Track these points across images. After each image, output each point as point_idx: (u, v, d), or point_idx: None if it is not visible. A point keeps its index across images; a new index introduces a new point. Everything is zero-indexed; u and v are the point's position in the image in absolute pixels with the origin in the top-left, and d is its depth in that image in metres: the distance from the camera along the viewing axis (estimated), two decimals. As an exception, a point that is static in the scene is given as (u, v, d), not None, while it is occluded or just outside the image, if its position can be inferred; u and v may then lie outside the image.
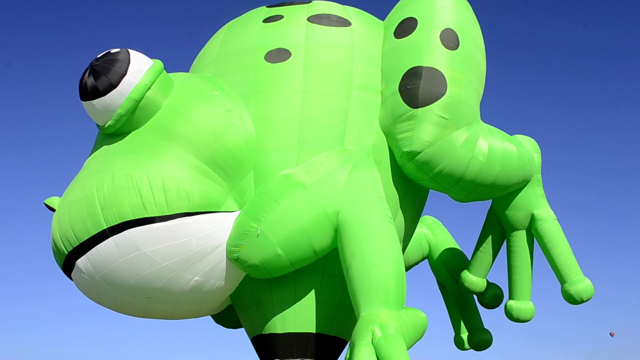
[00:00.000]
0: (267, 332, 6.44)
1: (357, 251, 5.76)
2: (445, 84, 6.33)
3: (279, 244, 5.86)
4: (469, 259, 8.08)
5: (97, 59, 5.91)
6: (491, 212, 7.69)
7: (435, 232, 9.10)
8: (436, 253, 8.87)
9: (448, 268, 8.64)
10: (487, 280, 7.89)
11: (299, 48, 6.67)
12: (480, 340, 8.51)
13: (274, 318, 6.36)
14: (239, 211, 6.10)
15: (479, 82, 6.92)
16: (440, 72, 6.39)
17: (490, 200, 7.54)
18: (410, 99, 6.34)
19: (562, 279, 7.21)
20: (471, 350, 8.77)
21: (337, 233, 5.92)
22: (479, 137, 6.46)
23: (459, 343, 9.03)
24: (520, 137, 7.47)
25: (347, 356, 5.53)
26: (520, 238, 7.51)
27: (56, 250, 6.03)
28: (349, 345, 5.59)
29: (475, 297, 8.36)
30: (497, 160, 6.57)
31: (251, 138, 6.24)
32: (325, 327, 6.42)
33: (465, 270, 7.84)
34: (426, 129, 6.26)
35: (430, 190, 7.30)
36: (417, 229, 8.85)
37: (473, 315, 8.63)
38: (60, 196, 6.20)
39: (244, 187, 6.20)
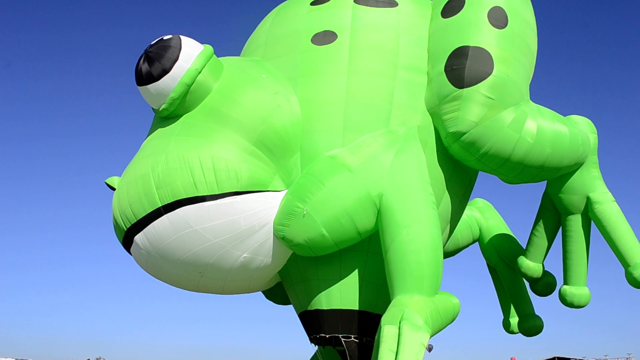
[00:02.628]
0: (313, 308, 6.63)
1: (396, 235, 5.84)
2: (492, 64, 6.23)
3: (323, 224, 6.00)
4: (521, 243, 7.97)
5: (151, 46, 6.18)
6: (546, 196, 7.53)
7: (486, 216, 9.01)
8: (487, 237, 8.80)
9: (499, 252, 8.56)
10: (543, 266, 7.77)
11: (345, 30, 6.73)
12: (531, 326, 8.42)
13: (319, 294, 6.54)
14: (286, 191, 6.27)
15: (529, 61, 6.75)
16: (487, 52, 6.28)
17: (545, 184, 7.39)
18: (456, 79, 6.29)
19: (625, 263, 7.00)
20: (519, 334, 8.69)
21: (379, 216, 6.01)
22: (527, 118, 6.33)
23: (507, 326, 8.96)
24: (576, 118, 7.25)
25: (377, 333, 5.69)
26: (575, 222, 7.34)
27: (116, 227, 6.42)
28: (380, 324, 5.71)
29: (526, 283, 8.27)
30: (547, 141, 6.42)
31: (297, 120, 6.38)
32: (370, 305, 6.54)
33: (522, 256, 7.75)
34: (472, 109, 6.20)
35: (481, 172, 7.24)
36: (468, 212, 8.81)
37: (524, 301, 8.53)
38: (120, 176, 6.59)
39: (291, 168, 6.36)
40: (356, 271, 6.51)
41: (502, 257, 8.48)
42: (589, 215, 7.24)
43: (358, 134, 6.34)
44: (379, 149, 6.18)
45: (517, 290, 8.53)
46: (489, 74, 6.19)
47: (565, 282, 7.56)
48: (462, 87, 6.24)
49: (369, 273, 6.52)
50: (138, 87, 6.30)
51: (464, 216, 8.62)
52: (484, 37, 6.38)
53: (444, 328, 5.96)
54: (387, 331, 5.43)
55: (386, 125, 6.42)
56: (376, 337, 5.74)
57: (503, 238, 8.60)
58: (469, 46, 6.35)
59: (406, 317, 5.42)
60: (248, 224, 6.04)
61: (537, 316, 8.48)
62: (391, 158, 6.12)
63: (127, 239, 6.34)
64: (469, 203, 9.12)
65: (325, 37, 6.72)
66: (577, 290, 7.45)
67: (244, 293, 7.30)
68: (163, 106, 6.24)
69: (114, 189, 6.61)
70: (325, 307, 6.54)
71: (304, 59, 6.70)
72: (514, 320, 8.72)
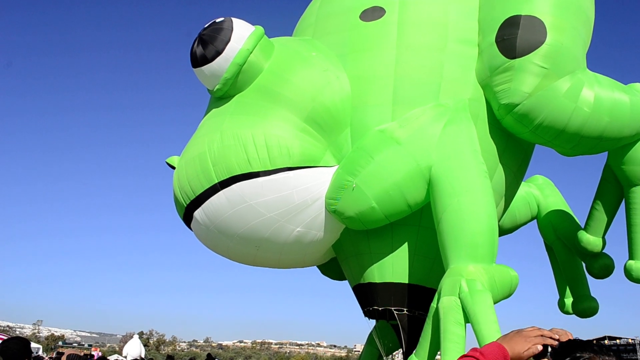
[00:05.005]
0: (366, 281, 6.75)
1: (448, 205, 5.80)
2: (545, 32, 6.05)
3: (373, 197, 6.09)
4: (581, 223, 7.73)
5: (205, 29, 6.43)
6: (607, 168, 7.27)
7: (545, 193, 8.78)
8: (545, 214, 8.58)
9: (556, 231, 8.33)
10: (604, 241, 7.52)
11: (394, 5, 6.72)
12: (586, 307, 8.17)
13: (371, 267, 6.65)
14: (337, 166, 6.40)
15: (585, 28, 6.50)
16: (540, 20, 6.11)
17: (606, 156, 7.14)
18: (507, 49, 6.16)
19: None
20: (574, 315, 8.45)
21: (429, 187, 6.02)
22: (583, 86, 6.12)
23: (562, 306, 8.74)
24: (638, 86, 6.94)
25: (433, 305, 5.65)
26: (639, 194, 7.05)
27: (177, 203, 6.76)
28: (436, 295, 5.69)
29: (583, 265, 8.04)
30: (605, 110, 6.19)
31: (347, 96, 6.46)
32: (422, 279, 6.59)
33: (582, 230, 7.54)
34: (524, 80, 6.07)
35: (540, 147, 7.08)
36: (527, 189, 8.63)
37: (580, 282, 8.28)
38: (179, 155, 6.92)
39: (342, 143, 6.47)
40: (408, 245, 6.56)
41: (559, 235, 8.26)
42: None
43: (408, 108, 6.36)
44: (428, 121, 6.17)
45: (573, 270, 8.28)
46: (542, 43, 6.02)
47: (631, 257, 7.28)
48: (514, 58, 6.11)
49: (421, 247, 6.56)
50: (193, 69, 6.57)
51: (522, 192, 8.46)
52: (537, 5, 6.20)
53: (500, 300, 5.78)
54: (447, 302, 5.37)
55: (436, 98, 6.40)
56: (431, 309, 5.72)
57: (561, 216, 8.35)
58: (520, 15, 6.19)
59: (464, 285, 5.35)
60: (300, 198, 6.21)
61: (593, 298, 8.22)
62: (440, 129, 6.10)
63: (187, 215, 6.67)
64: (528, 179, 8.96)
65: (373, 13, 6.75)
66: None
67: (299, 267, 7.51)
68: (217, 86, 6.47)
69: (174, 168, 6.94)
70: (377, 281, 6.65)
71: (353, 36, 6.76)
72: (569, 300, 8.49)
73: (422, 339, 5.74)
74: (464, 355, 1.84)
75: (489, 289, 5.46)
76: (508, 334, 1.95)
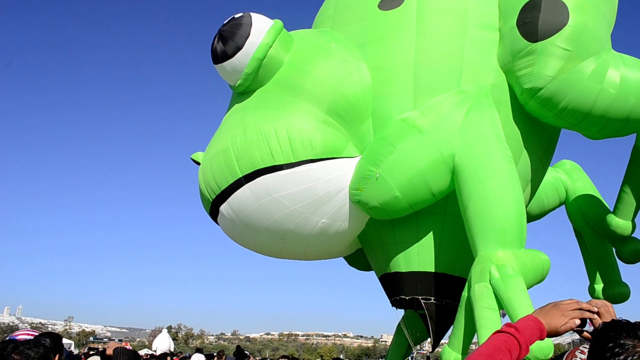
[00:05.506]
0: (392, 271, 6.77)
1: (474, 191, 5.75)
2: (567, 13, 5.94)
3: (397, 186, 6.08)
4: (610, 207, 7.60)
5: (224, 25, 6.48)
6: (635, 150, 7.11)
7: (573, 178, 8.63)
8: (573, 199, 8.45)
9: (585, 216, 8.19)
10: (634, 225, 7.39)
11: None
12: (617, 293, 8.02)
13: (397, 257, 6.66)
14: (360, 156, 6.41)
15: (609, 8, 6.35)
16: (562, 2, 5.98)
17: (634, 138, 6.99)
18: (528, 32, 6.06)
19: None
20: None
21: (454, 175, 5.99)
22: (608, 67, 5.99)
23: (592, 292, 8.60)
24: None
25: (465, 294, 5.61)
26: None
27: (203, 198, 6.86)
28: (467, 284, 5.65)
29: (613, 250, 7.90)
30: (632, 91, 6.04)
31: (367, 86, 6.46)
32: (448, 267, 6.57)
33: (611, 214, 7.41)
34: (547, 63, 5.97)
35: (566, 130, 6.97)
36: (554, 174, 8.51)
37: (610, 267, 8.12)
38: (204, 151, 7.01)
39: (364, 133, 6.47)
40: (434, 233, 6.54)
41: (588, 220, 8.12)
42: None
43: (429, 96, 6.32)
44: (450, 109, 6.13)
45: (603, 256, 8.13)
46: (564, 25, 5.91)
47: None
48: (536, 41, 6.01)
49: (446, 235, 6.53)
50: (214, 65, 6.64)
51: (549, 178, 8.35)
52: None
53: (533, 285, 5.68)
54: (479, 290, 5.30)
55: (457, 85, 6.35)
56: (462, 298, 5.68)
57: (590, 201, 8.21)
58: None
59: (494, 271, 5.27)
60: (324, 190, 6.25)
61: (624, 283, 8.07)
62: (462, 116, 6.05)
63: (213, 209, 6.76)
64: (555, 164, 8.83)
65: (392, 2, 6.71)
66: None
67: (325, 258, 7.56)
68: (238, 82, 6.53)
69: (199, 164, 7.04)
70: (403, 270, 6.65)
71: (372, 26, 6.74)
72: (599, 286, 8.34)
73: (455, 329, 5.71)
74: (498, 331, 1.76)
75: (522, 274, 5.36)
76: (545, 307, 1.87)
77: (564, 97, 6.03)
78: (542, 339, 1.80)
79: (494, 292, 5.24)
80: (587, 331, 1.87)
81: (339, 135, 6.34)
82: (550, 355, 4.77)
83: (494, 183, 5.73)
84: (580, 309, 1.84)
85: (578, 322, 1.83)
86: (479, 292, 5.30)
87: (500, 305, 5.23)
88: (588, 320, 1.86)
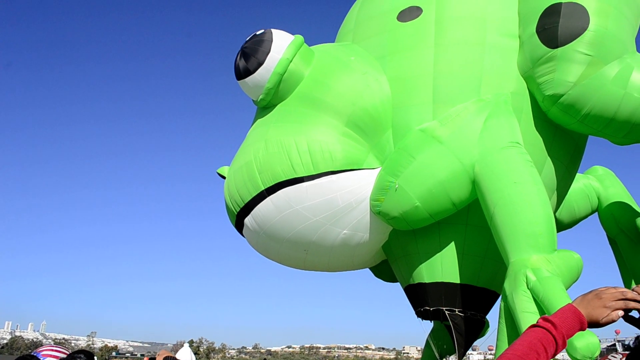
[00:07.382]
0: (416, 282, 6.73)
1: (499, 199, 5.63)
2: (587, 18, 5.85)
3: (417, 196, 6.07)
4: None
5: (246, 42, 6.66)
6: None
7: (605, 184, 8.40)
8: (606, 206, 8.21)
9: (618, 223, 7.95)
10: None
11: (431, 3, 6.71)
12: None
13: (420, 267, 6.62)
14: (380, 167, 6.44)
15: (632, 11, 6.21)
16: (582, 6, 5.91)
17: None
18: (549, 39, 6.00)
19: None
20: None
21: (475, 184, 5.94)
22: (632, 71, 5.84)
23: None
24: None
25: (502, 305, 5.44)
26: None
27: (229, 211, 7.01)
28: (502, 294, 5.48)
29: None
30: None
31: (387, 98, 6.49)
32: (472, 278, 6.49)
33: None
34: (568, 69, 5.88)
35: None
36: (585, 181, 8.32)
37: None
38: (229, 165, 7.18)
39: (384, 144, 6.49)
40: (456, 244, 6.49)
41: (621, 228, 7.87)
42: None
43: (449, 106, 6.31)
44: (469, 118, 6.10)
45: (638, 263, 7.87)
46: (585, 29, 5.82)
47: None
48: (556, 47, 5.94)
49: (469, 246, 6.46)
50: (238, 81, 6.82)
51: (580, 185, 8.18)
52: None
53: (570, 286, 5.46)
54: (517, 296, 5.10)
55: (477, 93, 6.31)
56: (500, 310, 5.49)
57: (623, 208, 7.96)
58: (561, 3, 6.02)
59: (531, 275, 5.10)
60: (345, 201, 6.30)
61: None
62: (481, 125, 6.00)
63: (238, 222, 6.90)
64: (587, 171, 8.63)
65: (410, 13, 6.76)
66: None
67: (349, 269, 7.58)
68: (261, 97, 6.69)
69: (224, 178, 7.20)
70: (427, 281, 6.61)
71: (391, 37, 6.79)
72: None
73: (499, 341, 5.51)
74: (534, 325, 1.64)
75: (557, 276, 5.16)
76: (587, 295, 1.71)
77: (587, 103, 5.91)
78: (583, 330, 1.67)
79: (533, 297, 5.05)
80: (634, 317, 1.74)
81: (359, 147, 6.39)
82: (597, 353, 4.62)
83: (519, 188, 5.60)
84: (625, 299, 1.69)
85: (621, 313, 1.68)
86: (518, 299, 5.10)
87: (541, 309, 5.09)
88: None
